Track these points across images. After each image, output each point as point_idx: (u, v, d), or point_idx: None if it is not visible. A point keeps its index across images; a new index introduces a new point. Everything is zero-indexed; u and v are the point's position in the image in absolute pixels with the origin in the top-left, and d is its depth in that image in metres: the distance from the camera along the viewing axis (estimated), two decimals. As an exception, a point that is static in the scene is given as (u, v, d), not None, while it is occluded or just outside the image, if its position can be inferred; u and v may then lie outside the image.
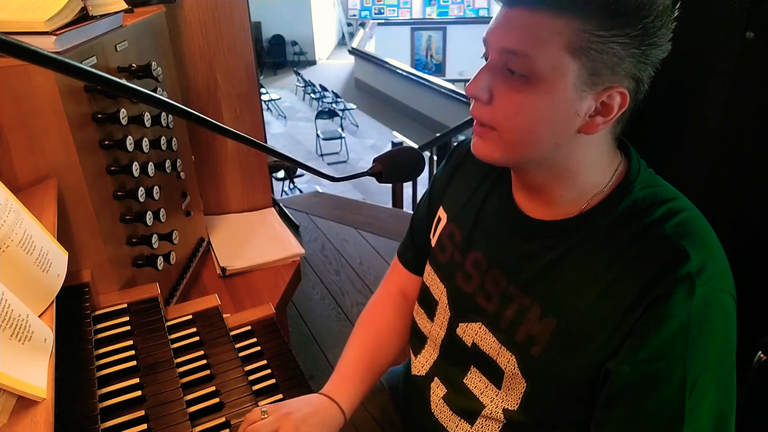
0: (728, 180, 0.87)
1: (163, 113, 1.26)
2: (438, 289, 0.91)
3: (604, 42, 0.62)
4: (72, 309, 0.93)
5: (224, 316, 1.13)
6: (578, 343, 0.70)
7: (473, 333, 0.83)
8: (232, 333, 1.12)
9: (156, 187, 1.18)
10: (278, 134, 9.83)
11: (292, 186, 6.31)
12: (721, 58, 0.82)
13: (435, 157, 4.14)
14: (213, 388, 0.96)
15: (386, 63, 10.62)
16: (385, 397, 1.08)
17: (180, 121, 1.40)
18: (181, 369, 0.97)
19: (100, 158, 1.05)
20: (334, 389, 0.88)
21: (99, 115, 1.03)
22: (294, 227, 2.53)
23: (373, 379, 0.94)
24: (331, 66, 15.01)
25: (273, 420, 0.78)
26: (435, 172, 1.00)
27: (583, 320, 0.70)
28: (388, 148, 1.02)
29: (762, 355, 0.80)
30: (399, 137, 8.25)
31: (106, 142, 1.05)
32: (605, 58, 0.63)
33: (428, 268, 0.94)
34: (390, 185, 3.64)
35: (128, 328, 1.00)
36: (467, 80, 0.74)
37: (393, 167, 0.89)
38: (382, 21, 13.86)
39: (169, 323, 1.08)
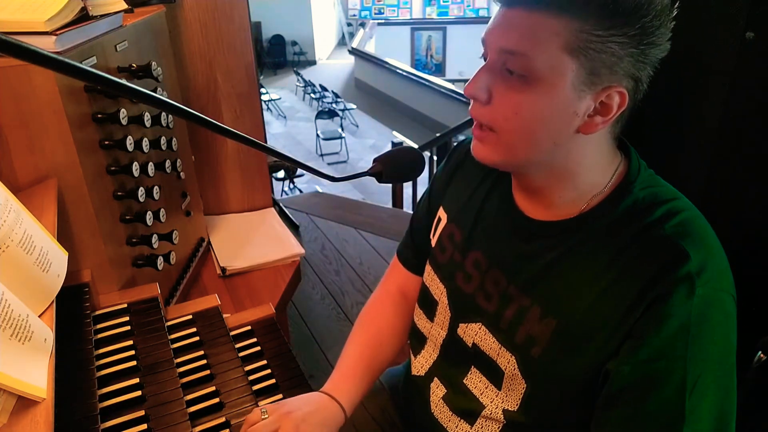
0: (728, 180, 0.87)
1: (163, 113, 1.26)
2: (438, 290, 0.91)
3: (602, 42, 0.62)
4: (72, 309, 0.93)
5: (224, 316, 1.13)
6: (578, 343, 0.70)
7: (473, 333, 0.83)
8: (232, 333, 1.13)
9: (156, 187, 1.18)
10: (278, 134, 9.83)
11: (292, 186, 6.31)
12: (721, 57, 0.82)
13: (435, 157, 4.13)
14: (213, 388, 0.96)
15: (386, 63, 10.62)
16: (385, 397, 1.08)
17: (180, 121, 1.40)
18: (181, 369, 0.97)
19: (100, 158, 1.05)
20: (334, 387, 0.88)
21: (99, 115, 1.03)
22: (294, 227, 2.53)
23: (372, 378, 0.94)
24: (331, 66, 15.02)
25: (273, 420, 0.78)
26: (435, 172, 1.00)
27: (583, 320, 0.70)
28: (388, 148, 1.02)
29: (762, 355, 0.80)
30: (399, 137, 8.25)
31: (106, 142, 1.05)
32: (604, 57, 0.63)
33: (428, 268, 0.94)
34: (390, 185, 3.64)
35: (128, 328, 1.00)
36: (467, 80, 0.74)
37: (393, 167, 0.89)
38: (382, 21, 13.86)
39: (169, 323, 1.08)
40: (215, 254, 1.61)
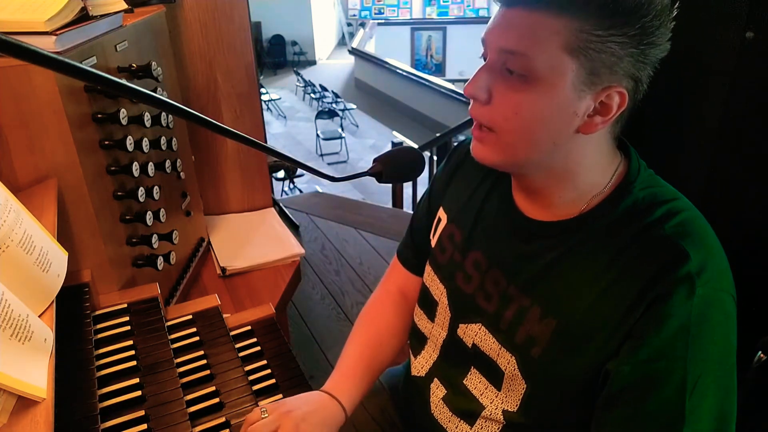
0: (728, 180, 0.87)
1: (163, 113, 1.26)
2: (438, 290, 0.91)
3: (602, 41, 0.62)
4: (72, 309, 0.93)
5: (224, 316, 1.13)
6: (578, 343, 0.70)
7: (473, 334, 0.83)
8: (232, 333, 1.12)
9: (156, 187, 1.18)
10: (278, 134, 9.83)
11: (292, 186, 6.31)
12: (721, 57, 0.82)
13: (435, 157, 4.13)
14: (213, 388, 0.96)
15: (386, 63, 10.62)
16: (385, 397, 1.08)
17: (180, 121, 1.40)
18: (181, 369, 0.97)
19: (100, 158, 1.05)
20: (334, 386, 0.88)
21: (99, 115, 1.03)
22: (294, 227, 2.53)
23: (373, 377, 0.94)
24: (331, 66, 15.02)
25: (273, 419, 0.78)
26: (435, 172, 1.00)
27: (583, 320, 0.70)
28: (388, 148, 1.02)
29: (762, 355, 0.80)
30: (399, 137, 8.25)
31: (106, 142, 1.05)
32: (604, 57, 0.63)
33: (428, 268, 0.94)
34: (390, 185, 3.64)
35: (128, 328, 1.00)
36: (467, 80, 0.74)
37: (393, 167, 0.89)
38: (382, 21, 13.86)
39: (169, 323, 1.08)
40: (215, 254, 1.61)
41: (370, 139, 9.54)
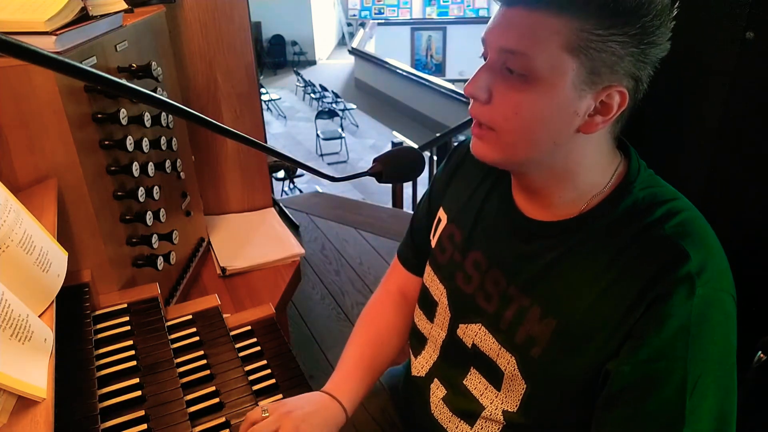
0: (728, 180, 0.87)
1: (163, 113, 1.26)
2: (438, 290, 0.91)
3: (602, 41, 0.62)
4: (72, 309, 0.93)
5: (224, 316, 1.13)
6: (578, 343, 0.70)
7: (473, 334, 0.83)
8: (232, 333, 1.12)
9: (156, 187, 1.18)
10: (278, 134, 9.83)
11: (292, 186, 6.31)
12: (721, 57, 0.82)
13: (435, 157, 4.13)
14: (213, 388, 0.96)
15: (386, 63, 10.62)
16: (385, 397, 1.08)
17: (180, 121, 1.40)
18: (181, 369, 0.97)
19: (100, 158, 1.05)
20: (335, 387, 0.88)
21: (99, 115, 1.03)
22: (294, 227, 2.53)
23: (373, 378, 0.94)
24: (331, 66, 15.01)
25: (273, 420, 0.78)
26: (435, 172, 1.00)
27: (583, 321, 0.70)
28: (388, 148, 1.02)
29: (762, 355, 0.80)
30: (399, 137, 8.25)
31: (106, 142, 1.05)
32: (604, 57, 0.63)
33: (428, 269, 0.94)
34: (390, 185, 3.64)
35: (128, 328, 1.00)
36: (467, 80, 0.74)
37: (393, 167, 0.89)
38: (382, 21, 13.86)
39: (169, 323, 1.08)
40: (215, 254, 1.61)
41: (370, 139, 9.54)
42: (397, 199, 3.75)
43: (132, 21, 1.21)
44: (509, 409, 0.79)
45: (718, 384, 0.65)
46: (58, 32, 0.93)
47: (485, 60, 0.70)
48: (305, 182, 6.78)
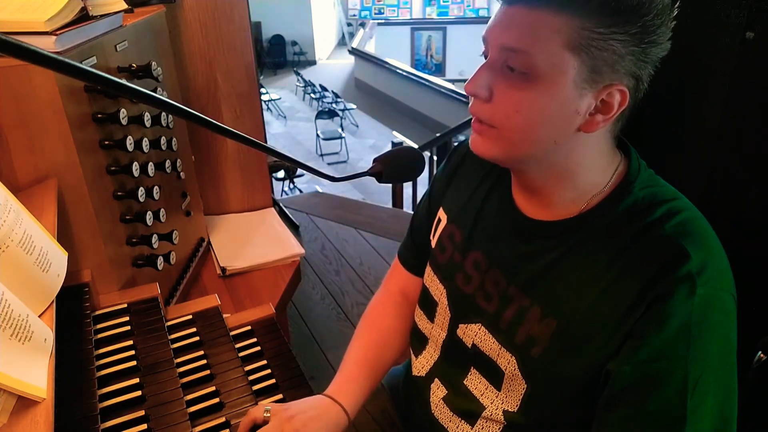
0: (728, 180, 0.87)
1: (163, 113, 1.26)
2: (438, 290, 0.91)
3: (604, 39, 0.62)
4: (72, 309, 0.93)
5: (224, 316, 1.13)
6: (578, 343, 0.70)
7: (473, 334, 0.83)
8: (232, 333, 1.12)
9: (156, 187, 1.18)
10: (278, 134, 9.83)
11: (292, 186, 6.31)
12: (721, 57, 0.82)
13: (435, 157, 4.13)
14: (213, 388, 0.96)
15: (386, 63, 10.62)
16: (385, 397, 1.08)
17: (180, 121, 1.40)
18: (181, 369, 0.97)
19: (100, 158, 1.05)
20: (337, 390, 0.89)
21: (99, 115, 1.03)
22: (294, 227, 2.54)
23: (376, 379, 0.94)
24: (331, 66, 15.01)
25: (274, 425, 0.79)
26: (435, 172, 1.00)
27: (583, 321, 0.70)
28: (388, 148, 1.02)
29: (762, 355, 0.80)
30: (399, 137, 8.25)
31: (106, 142, 1.05)
32: (605, 55, 0.63)
33: (428, 269, 0.94)
34: (390, 185, 3.64)
35: (128, 328, 1.00)
36: (467, 80, 0.74)
37: (393, 167, 0.89)
38: (382, 21, 13.86)
39: (169, 323, 1.08)
40: (215, 254, 1.61)
41: (370, 139, 9.54)
42: (397, 199, 3.76)
43: (132, 21, 1.21)
44: (510, 409, 0.79)
45: (719, 384, 0.65)
46: (58, 32, 0.93)
47: (486, 58, 0.70)
48: (305, 182, 6.78)
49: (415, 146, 1.41)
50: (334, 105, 10.08)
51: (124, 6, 1.17)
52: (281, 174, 5.31)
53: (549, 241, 0.75)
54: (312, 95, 11.15)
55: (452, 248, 0.89)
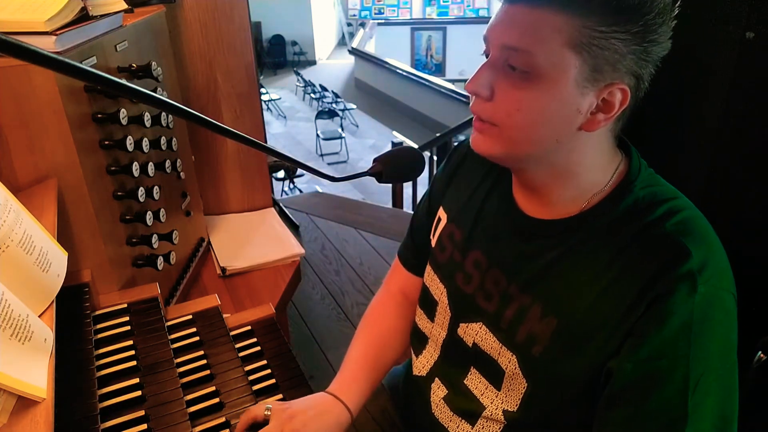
0: (728, 180, 0.87)
1: (163, 113, 1.26)
2: (438, 290, 0.91)
3: (605, 38, 0.63)
4: (72, 309, 0.93)
5: (224, 316, 1.13)
6: (579, 342, 0.70)
7: (474, 333, 0.83)
8: (232, 333, 1.12)
9: (156, 187, 1.18)
10: (278, 134, 9.83)
11: (292, 186, 6.31)
12: (721, 57, 0.82)
13: (435, 157, 4.14)
14: (213, 388, 0.95)
15: (386, 63, 10.62)
16: (385, 397, 1.08)
17: (180, 121, 1.40)
18: (181, 369, 0.97)
19: (100, 158, 1.05)
20: (339, 387, 0.89)
21: (99, 115, 1.03)
22: (294, 227, 2.54)
23: (378, 378, 0.95)
24: (331, 66, 15.02)
25: (275, 425, 0.79)
26: (435, 172, 1.00)
27: (584, 319, 0.70)
28: (388, 148, 1.02)
29: (762, 355, 0.80)
30: (399, 137, 8.25)
31: (106, 142, 1.05)
32: (607, 54, 0.63)
33: (428, 268, 0.94)
34: (390, 185, 3.64)
35: (128, 328, 1.00)
36: (467, 80, 0.74)
37: (393, 167, 0.89)
38: (382, 21, 13.86)
39: (169, 323, 1.08)
40: (215, 254, 1.61)
41: (370, 139, 9.54)
42: (397, 199, 3.76)
43: (132, 21, 1.21)
44: (509, 409, 0.79)
45: (720, 382, 0.65)
46: (58, 32, 0.93)
47: (487, 58, 0.70)
48: (305, 182, 6.78)
49: (415, 146, 1.41)
50: (334, 105, 10.08)
51: (124, 6, 1.17)
52: (281, 174, 5.31)
53: (549, 240, 0.75)
54: (312, 95, 11.15)
55: (452, 248, 0.89)
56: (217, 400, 0.93)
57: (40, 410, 0.63)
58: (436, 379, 0.91)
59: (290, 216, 2.53)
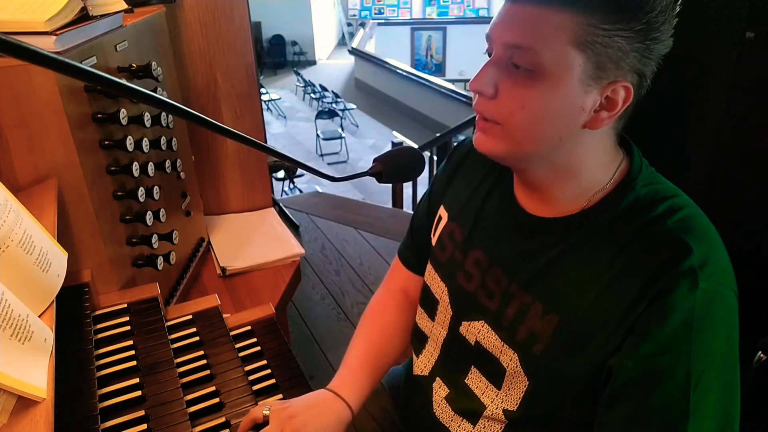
0: (728, 179, 0.87)
1: (163, 113, 1.26)
2: (438, 289, 0.91)
3: (609, 36, 0.63)
4: (72, 309, 0.93)
5: (224, 316, 1.13)
6: (580, 340, 0.70)
7: (476, 331, 0.83)
8: (232, 333, 1.12)
9: (156, 187, 1.18)
10: (278, 134, 9.83)
11: (292, 186, 6.31)
12: (721, 57, 0.82)
13: (435, 157, 4.14)
14: (213, 388, 0.96)
15: (386, 63, 10.61)
16: (385, 397, 1.08)
17: (180, 121, 1.40)
18: (181, 369, 0.97)
19: (100, 158, 1.05)
20: (340, 385, 0.88)
21: (99, 115, 1.03)
22: (294, 227, 2.53)
23: (378, 376, 0.94)
24: (331, 66, 15.01)
25: (275, 426, 0.79)
26: (435, 172, 1.00)
27: (585, 317, 0.70)
28: (388, 148, 1.02)
29: (762, 355, 0.80)
30: (399, 137, 8.25)
31: (106, 142, 1.05)
32: (610, 52, 0.63)
33: (429, 267, 0.94)
34: (390, 185, 3.64)
35: (128, 328, 1.00)
36: (467, 80, 0.74)
37: (393, 167, 0.89)
38: (382, 21, 13.85)
39: (169, 323, 1.08)
40: (215, 254, 1.61)
41: (370, 139, 9.54)
42: (397, 199, 3.76)
43: (132, 21, 1.21)
44: (509, 408, 0.79)
45: (721, 379, 0.64)
46: (58, 32, 0.93)
47: (489, 56, 0.70)
48: (305, 182, 6.78)
49: (415, 146, 1.41)
50: (334, 105, 10.07)
51: (124, 6, 1.17)
52: (281, 174, 5.31)
53: (550, 238, 0.75)
54: (312, 95, 11.15)
55: (453, 246, 0.89)
56: (217, 400, 0.93)
57: (40, 410, 0.63)
58: (438, 378, 0.91)
59: (290, 216, 2.52)
